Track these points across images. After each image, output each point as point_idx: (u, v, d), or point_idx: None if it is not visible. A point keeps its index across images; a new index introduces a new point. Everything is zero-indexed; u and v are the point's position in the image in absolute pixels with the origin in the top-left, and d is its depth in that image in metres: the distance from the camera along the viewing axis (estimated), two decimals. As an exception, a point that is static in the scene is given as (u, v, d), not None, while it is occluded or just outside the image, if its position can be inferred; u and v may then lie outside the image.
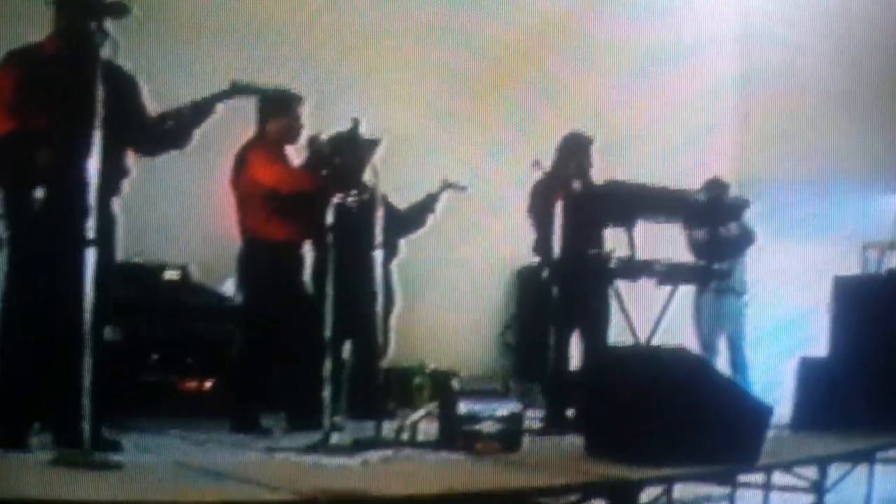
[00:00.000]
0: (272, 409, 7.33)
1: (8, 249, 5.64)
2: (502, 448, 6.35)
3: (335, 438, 6.29)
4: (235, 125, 7.22)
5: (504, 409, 6.47)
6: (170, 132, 5.83)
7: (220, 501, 4.53)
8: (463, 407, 6.39)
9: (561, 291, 7.52)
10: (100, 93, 5.15)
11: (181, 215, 8.69)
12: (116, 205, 5.83)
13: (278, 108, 7.24)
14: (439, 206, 8.48)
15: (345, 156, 7.85)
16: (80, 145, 5.14)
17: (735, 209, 8.36)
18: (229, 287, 8.08)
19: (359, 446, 6.28)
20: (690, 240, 9.03)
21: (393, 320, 8.35)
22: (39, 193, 5.40)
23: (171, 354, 8.12)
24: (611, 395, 6.31)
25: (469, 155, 9.76)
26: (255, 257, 7.18)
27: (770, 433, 6.16)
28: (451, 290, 9.92)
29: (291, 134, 7.27)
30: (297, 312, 7.01)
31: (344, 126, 6.92)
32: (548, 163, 7.91)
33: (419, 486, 5.13)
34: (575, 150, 8.02)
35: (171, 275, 8.36)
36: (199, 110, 5.76)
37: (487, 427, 6.38)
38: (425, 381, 9.21)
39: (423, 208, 8.48)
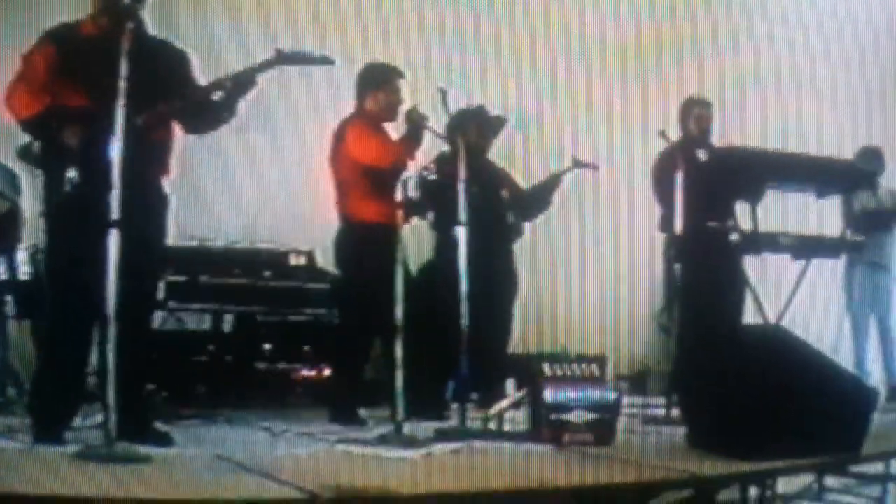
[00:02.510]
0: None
1: (46, 233, 5.53)
2: (593, 440, 5.84)
3: (409, 429, 5.87)
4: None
5: (598, 396, 5.95)
6: (214, 106, 5.52)
7: (212, 499, 4.25)
8: (551, 395, 5.90)
9: (683, 270, 6.92)
10: (125, 69, 4.93)
11: (310, 200, 8.38)
12: (166, 183, 5.64)
13: (376, 82, 6.93)
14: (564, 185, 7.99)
15: (471, 134, 7.61)
16: (110, 124, 4.91)
17: (867, 176, 7.57)
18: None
19: (438, 437, 5.91)
20: (845, 210, 8.28)
21: (517, 305, 7.93)
22: (72, 173, 5.20)
23: (288, 342, 7.88)
24: (708, 382, 5.77)
25: (592, 130, 9.18)
26: (352, 238, 6.88)
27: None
28: (598, 270, 9.36)
29: (390, 109, 6.92)
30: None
31: (432, 98, 6.53)
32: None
33: (460, 483, 4.73)
34: (692, 113, 7.47)
35: (296, 260, 8.10)
36: (241, 81, 5.44)
37: (577, 417, 5.88)
38: (571, 368, 8.68)
39: (550, 187, 8.00)
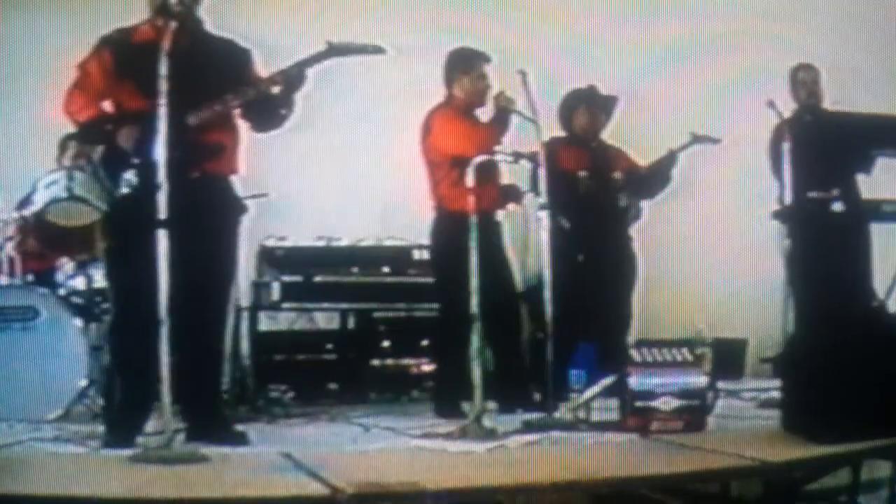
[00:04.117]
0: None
1: (105, 235, 5.70)
2: (682, 427, 5.60)
3: (493, 421, 5.76)
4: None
5: (687, 382, 5.70)
6: (271, 101, 5.50)
7: (230, 496, 4.22)
8: (636, 381, 5.68)
9: (791, 244, 6.56)
10: (165, 68, 4.93)
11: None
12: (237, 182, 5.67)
13: (461, 68, 6.81)
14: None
15: (580, 116, 7.47)
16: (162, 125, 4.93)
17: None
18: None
19: (522, 429, 5.76)
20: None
21: (635, 291, 7.68)
22: (129, 175, 5.27)
23: (408, 338, 7.84)
24: (808, 363, 5.44)
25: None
26: (445, 228, 6.71)
27: None
28: (738, 250, 8.91)
29: (477, 94, 6.78)
30: (491, 286, 6.36)
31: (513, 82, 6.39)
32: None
33: (504, 476, 4.57)
34: (797, 79, 7.15)
35: (419, 255, 8.02)
36: (291, 76, 5.41)
37: (664, 404, 5.64)
38: (704, 352, 8.33)
39: (668, 164, 7.70)
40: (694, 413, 5.66)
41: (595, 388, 6.03)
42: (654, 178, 7.69)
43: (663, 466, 4.74)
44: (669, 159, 7.65)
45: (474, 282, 5.83)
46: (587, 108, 7.59)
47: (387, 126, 8.51)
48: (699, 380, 5.74)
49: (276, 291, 7.64)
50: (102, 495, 4.15)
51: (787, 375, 5.75)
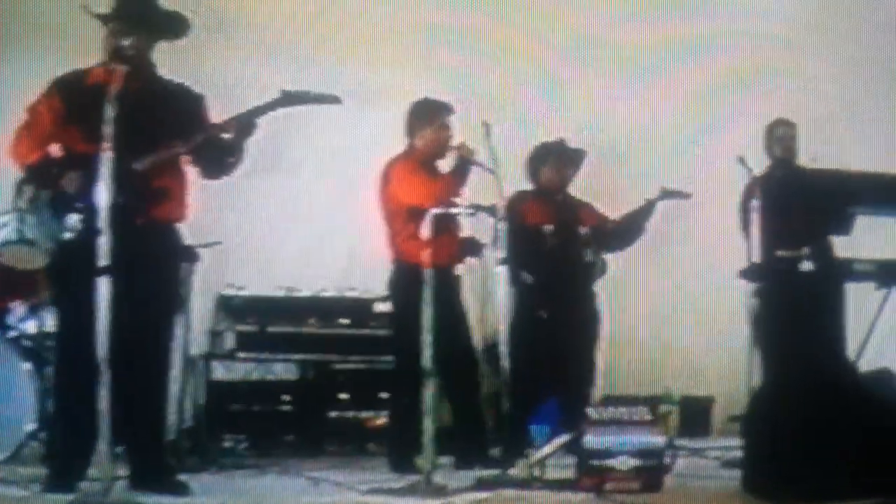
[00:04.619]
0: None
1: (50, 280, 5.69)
2: (639, 487, 5.45)
3: (444, 478, 5.61)
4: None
5: (644, 441, 5.56)
6: (221, 149, 5.40)
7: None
8: (593, 440, 5.54)
9: (762, 304, 6.44)
10: (111, 112, 4.85)
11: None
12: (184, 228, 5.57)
13: (424, 119, 6.67)
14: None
15: (547, 169, 7.36)
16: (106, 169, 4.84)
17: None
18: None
19: (477, 486, 5.60)
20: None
21: (600, 346, 7.54)
22: (73, 220, 5.16)
23: (366, 390, 7.70)
24: (771, 423, 5.31)
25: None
26: (403, 281, 6.55)
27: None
28: (706, 307, 8.76)
29: (439, 146, 6.62)
30: (448, 341, 6.20)
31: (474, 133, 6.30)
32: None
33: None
34: (775, 135, 7.11)
35: (381, 307, 7.88)
36: (243, 123, 5.31)
37: (621, 463, 5.50)
38: (671, 410, 8.18)
39: (643, 215, 7.54)
40: (651, 473, 5.53)
41: (550, 446, 5.87)
42: (627, 229, 7.55)
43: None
44: (646, 210, 7.52)
45: (428, 336, 5.66)
46: (555, 161, 7.46)
47: (351, 174, 8.37)
48: (657, 439, 5.61)
49: (231, 340, 7.53)
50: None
51: (749, 435, 5.60)
